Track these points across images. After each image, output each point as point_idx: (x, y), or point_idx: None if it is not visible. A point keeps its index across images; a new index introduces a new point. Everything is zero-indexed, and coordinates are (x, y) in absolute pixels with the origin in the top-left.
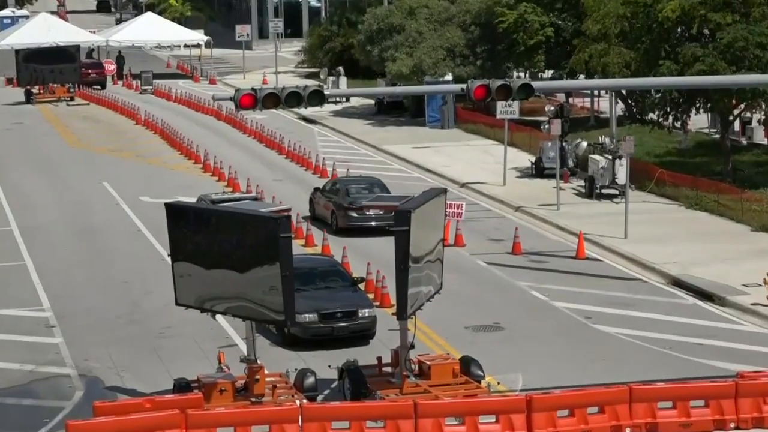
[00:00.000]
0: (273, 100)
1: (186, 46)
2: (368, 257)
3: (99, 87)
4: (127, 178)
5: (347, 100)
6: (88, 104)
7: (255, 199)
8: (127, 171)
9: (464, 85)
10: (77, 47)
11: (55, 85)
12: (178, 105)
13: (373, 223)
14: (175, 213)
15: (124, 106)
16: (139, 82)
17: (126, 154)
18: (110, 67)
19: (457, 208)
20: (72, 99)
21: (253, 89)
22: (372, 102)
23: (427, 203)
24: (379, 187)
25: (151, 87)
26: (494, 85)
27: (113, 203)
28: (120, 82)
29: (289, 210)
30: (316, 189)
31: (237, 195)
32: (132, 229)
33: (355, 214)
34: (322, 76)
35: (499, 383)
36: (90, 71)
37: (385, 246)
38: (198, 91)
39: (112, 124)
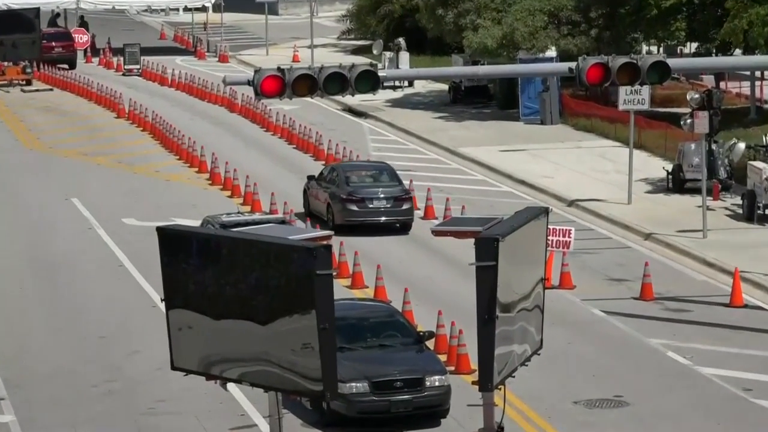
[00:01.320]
0: (307, 84)
1: (187, 9)
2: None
3: (66, 66)
4: (104, 192)
5: (410, 84)
6: (51, 89)
7: (282, 222)
8: (105, 183)
9: (573, 64)
10: (36, 11)
11: (6, 63)
12: (176, 91)
13: (382, 219)
14: (172, 241)
15: (100, 92)
16: (121, 59)
17: (103, 159)
18: (82, 38)
19: (564, 236)
20: (29, 83)
21: (279, 69)
22: (445, 87)
23: (521, 228)
24: (388, 174)
25: (138, 66)
26: (615, 64)
27: (85, 227)
28: (95, 60)
29: (329, 237)
30: (311, 177)
31: (257, 216)
32: (112, 263)
33: (355, 208)
34: (375, 52)
35: None
36: (54, 44)
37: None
38: (203, 71)
39: (84, 118)
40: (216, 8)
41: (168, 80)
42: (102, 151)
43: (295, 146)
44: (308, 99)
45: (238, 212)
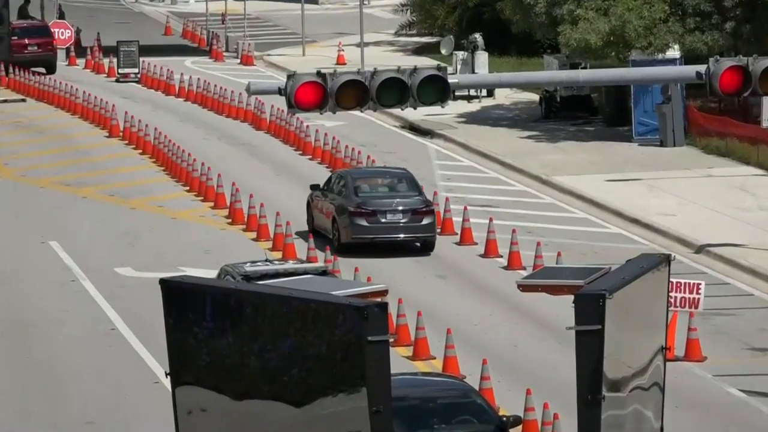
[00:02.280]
0: (355, 94)
1: None
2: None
3: (44, 70)
4: (91, 233)
5: (489, 94)
6: (24, 100)
7: (323, 273)
8: (93, 221)
9: (702, 67)
10: (4, 0)
11: None
12: (185, 102)
13: (400, 236)
14: (180, 298)
15: (87, 104)
16: (114, 61)
17: (90, 190)
18: (64, 33)
19: (691, 292)
20: None
21: (319, 74)
22: (535, 97)
23: (635, 282)
24: (406, 183)
25: (136, 70)
26: (757, 68)
27: (67, 279)
28: (80, 62)
29: (384, 293)
30: (314, 187)
31: (290, 266)
32: (101, 326)
33: (365, 223)
34: (444, 51)
35: None
36: (27, 42)
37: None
38: (221, 77)
39: (67, 137)
40: None
41: (175, 88)
42: (89, 180)
43: None
44: (357, 113)
45: (266, 260)
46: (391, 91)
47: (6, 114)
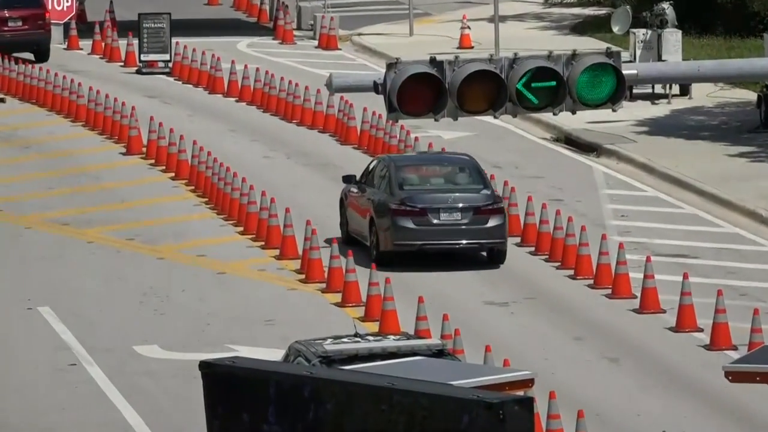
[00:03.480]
0: (487, 92)
1: None
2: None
3: (32, 56)
4: (100, 295)
5: (683, 91)
6: (2, 100)
7: (440, 353)
8: (102, 277)
9: None
10: None
11: None
12: (239, 103)
13: (462, 243)
14: (230, 389)
15: (95, 105)
16: (135, 43)
17: (98, 232)
18: (62, 2)
19: None
20: None
21: (434, 63)
22: (752, 96)
23: None
24: (468, 172)
25: (166, 57)
26: None
27: (64, 363)
28: (85, 44)
29: (528, 383)
30: (349, 179)
31: (390, 342)
32: (115, 428)
33: (412, 225)
34: (617, 29)
35: None
36: (7, 14)
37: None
38: (291, 65)
39: (66, 155)
40: None
41: (223, 83)
42: (97, 216)
43: None
44: (488, 119)
45: (356, 334)
46: (539, 88)
47: None
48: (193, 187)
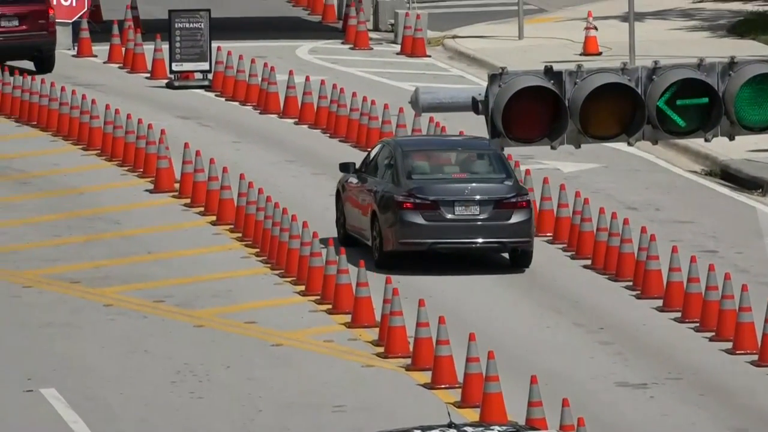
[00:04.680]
0: (617, 111)
1: None
2: None
3: (33, 64)
4: (121, 373)
5: None
6: None
7: None
8: (123, 349)
9: None
10: None
11: None
12: (300, 126)
13: (478, 242)
14: None
15: (113, 131)
16: (163, 49)
17: (118, 291)
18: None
19: None
20: None
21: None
22: None
23: None
24: (488, 161)
25: (204, 66)
26: None
27: None
28: (101, 48)
29: None
30: (346, 168)
31: None
32: None
33: (421, 220)
34: None
35: None
36: (0, 12)
37: None
38: (366, 77)
39: (75, 193)
40: None
41: (278, 100)
42: (117, 272)
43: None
44: (619, 145)
45: (450, 424)
46: (686, 106)
47: None
48: (239, 234)
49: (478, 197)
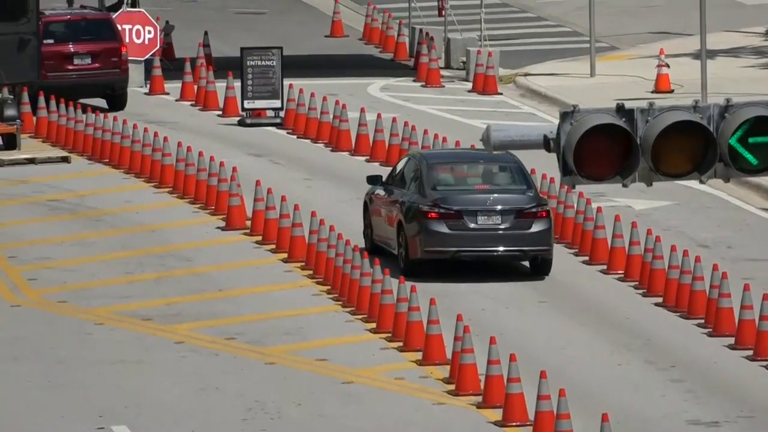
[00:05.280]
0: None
1: None
2: None
3: (106, 102)
4: (191, 410)
5: None
6: (66, 159)
7: None
8: (196, 387)
9: None
10: None
11: None
12: (369, 164)
13: (499, 250)
14: None
15: (182, 167)
16: (235, 86)
17: (190, 329)
18: (143, 34)
19: None
20: (10, 142)
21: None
22: None
23: None
24: (510, 174)
25: (276, 104)
26: None
27: None
28: (172, 86)
29: None
30: (374, 180)
31: None
32: None
33: (446, 229)
34: None
35: None
36: (72, 49)
37: None
38: (436, 113)
39: (147, 231)
40: None
41: (350, 137)
42: (189, 309)
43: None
44: (689, 183)
45: None
46: (759, 144)
47: (34, 184)
48: (311, 272)
49: (499, 207)
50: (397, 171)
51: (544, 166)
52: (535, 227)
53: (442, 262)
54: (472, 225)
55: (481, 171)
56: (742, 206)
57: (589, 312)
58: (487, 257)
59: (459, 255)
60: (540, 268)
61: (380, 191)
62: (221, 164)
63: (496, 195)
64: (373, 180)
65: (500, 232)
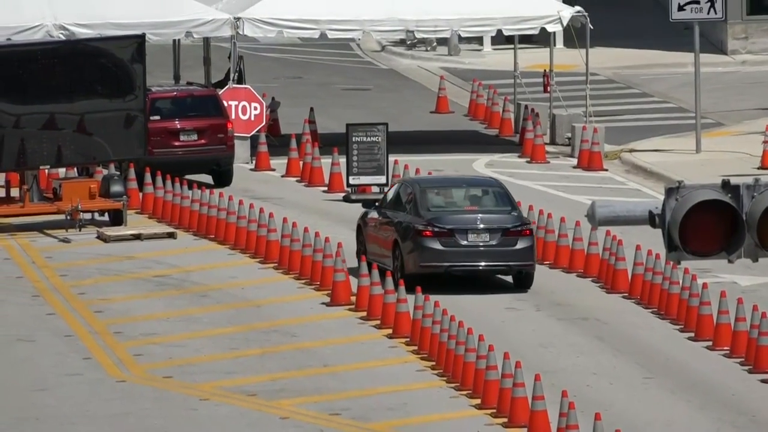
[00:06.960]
0: None
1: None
2: None
3: (212, 178)
4: None
5: None
6: (173, 235)
7: None
8: None
9: None
10: (137, 42)
11: (50, 169)
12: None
13: (482, 264)
14: None
15: (287, 243)
16: (339, 161)
17: (294, 404)
18: (249, 111)
19: None
20: (116, 218)
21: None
22: None
23: None
24: (495, 197)
25: (381, 180)
26: None
27: None
28: (278, 163)
29: None
30: (368, 204)
31: None
32: None
33: (439, 246)
34: None
35: None
36: (178, 126)
37: None
38: (541, 189)
39: (253, 304)
40: (573, 37)
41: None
42: (293, 385)
43: None
44: None
45: None
46: None
47: (141, 260)
48: (416, 347)
49: (488, 226)
50: (390, 196)
51: (649, 242)
52: (520, 244)
53: (435, 277)
54: (464, 242)
55: (470, 194)
56: None
57: (695, 388)
58: (476, 272)
59: (452, 270)
60: (523, 282)
61: (374, 214)
62: (326, 240)
63: (484, 215)
64: (368, 204)
65: (488, 248)
